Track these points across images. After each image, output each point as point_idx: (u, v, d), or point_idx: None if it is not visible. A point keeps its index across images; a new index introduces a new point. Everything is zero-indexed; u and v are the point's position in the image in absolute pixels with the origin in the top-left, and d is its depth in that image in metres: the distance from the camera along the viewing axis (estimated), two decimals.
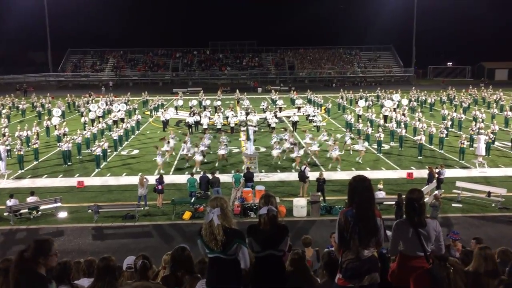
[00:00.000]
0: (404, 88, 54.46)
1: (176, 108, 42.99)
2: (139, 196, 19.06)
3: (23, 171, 24.60)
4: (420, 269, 4.55)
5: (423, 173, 22.19)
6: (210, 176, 19.81)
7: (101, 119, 36.31)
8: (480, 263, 5.10)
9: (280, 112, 40.67)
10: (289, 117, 37.12)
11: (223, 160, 25.49)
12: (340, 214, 4.60)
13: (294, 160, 24.60)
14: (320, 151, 26.92)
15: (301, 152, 25.25)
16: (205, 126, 32.92)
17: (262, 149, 28.46)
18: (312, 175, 20.68)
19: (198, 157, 24.40)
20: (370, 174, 22.62)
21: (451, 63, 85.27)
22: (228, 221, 4.52)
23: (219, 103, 41.84)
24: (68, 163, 25.79)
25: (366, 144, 26.21)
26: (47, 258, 3.85)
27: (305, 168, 20.49)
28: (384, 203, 18.54)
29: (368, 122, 33.16)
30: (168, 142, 26.78)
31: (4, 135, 28.06)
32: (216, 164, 25.29)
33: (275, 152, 25.60)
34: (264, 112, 38.12)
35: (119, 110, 38.03)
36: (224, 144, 25.94)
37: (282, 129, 30.61)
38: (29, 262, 3.76)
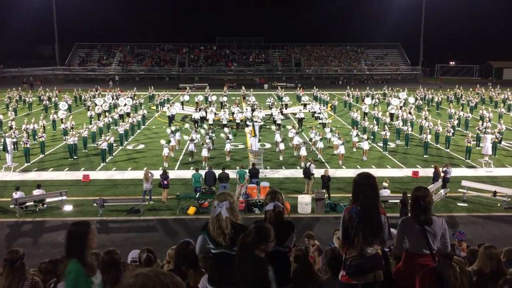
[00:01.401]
0: (411, 86, 54.23)
1: (182, 103, 43.05)
2: (144, 190, 19.15)
3: (29, 164, 24.73)
4: (425, 267, 4.54)
5: (429, 171, 22.10)
6: (220, 171, 19.91)
7: (107, 113, 36.44)
8: (484, 262, 5.09)
9: (286, 108, 40.64)
10: (295, 114, 37.10)
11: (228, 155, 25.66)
12: (344, 211, 4.59)
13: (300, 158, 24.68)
14: (324, 148, 26.96)
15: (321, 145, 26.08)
16: (210, 122, 32.95)
17: (268, 146, 28.49)
18: (317, 172, 20.68)
19: (204, 152, 24.50)
20: (375, 172, 22.55)
21: (454, 62, 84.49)
22: (235, 216, 4.55)
23: (225, 99, 41.86)
24: (74, 157, 25.90)
25: (366, 143, 26.00)
26: (267, 244, 4.07)
27: (310, 165, 20.47)
28: (389, 201, 18.55)
29: (374, 120, 33.09)
30: (174, 133, 27.01)
31: (11, 128, 28.22)
32: (229, 159, 25.48)
33: (281, 146, 25.73)
34: (270, 108, 38.09)
35: (125, 105, 38.13)
36: (228, 138, 26.06)
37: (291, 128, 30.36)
38: (250, 246, 3.97)
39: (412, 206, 4.76)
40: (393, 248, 4.96)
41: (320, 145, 26.11)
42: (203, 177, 19.78)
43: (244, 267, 3.98)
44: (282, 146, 25.79)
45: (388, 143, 27.98)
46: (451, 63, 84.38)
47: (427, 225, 4.61)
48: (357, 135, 27.84)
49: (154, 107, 43.16)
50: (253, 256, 3.96)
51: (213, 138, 27.73)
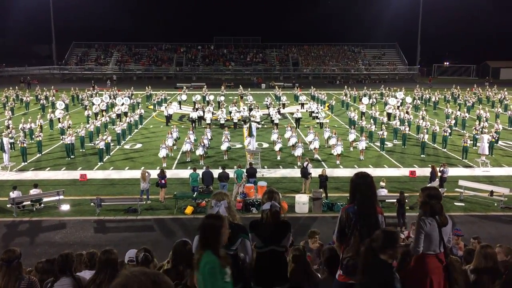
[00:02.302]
0: (408, 86, 54.30)
1: (180, 102, 43.02)
2: (142, 190, 19.13)
3: (26, 163, 24.67)
4: (440, 266, 4.54)
5: (426, 171, 22.16)
6: (217, 170, 19.90)
7: (104, 113, 36.41)
8: (481, 262, 5.10)
9: (283, 108, 40.64)
10: (292, 113, 37.12)
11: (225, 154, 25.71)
12: (341, 210, 4.60)
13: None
14: (322, 148, 27.00)
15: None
16: (208, 121, 32.94)
17: (265, 145, 28.49)
18: (315, 172, 20.69)
19: (200, 151, 24.49)
20: (372, 171, 22.39)
21: (448, 63, 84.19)
22: (233, 215, 4.54)
23: (222, 98, 41.86)
24: (71, 156, 25.86)
25: (363, 144, 26.03)
26: (395, 249, 4.03)
27: (307, 164, 20.48)
28: (386, 200, 18.57)
29: (371, 119, 33.08)
30: (171, 134, 27.01)
31: (7, 127, 28.17)
32: (226, 158, 25.62)
33: (277, 147, 25.72)
34: (268, 108, 38.09)
35: (123, 104, 38.07)
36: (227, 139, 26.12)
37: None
38: (377, 250, 3.99)
39: (431, 207, 4.63)
40: (411, 248, 4.81)
41: (316, 145, 26.05)
42: (201, 176, 19.79)
43: (369, 272, 3.98)
44: (278, 147, 25.76)
45: (386, 142, 28.02)
46: (445, 63, 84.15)
47: (444, 225, 4.58)
48: (361, 129, 27.83)
49: (152, 107, 43.10)
50: (380, 260, 3.95)
51: (209, 138, 27.76)
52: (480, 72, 78.80)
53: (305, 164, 20.62)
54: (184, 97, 44.20)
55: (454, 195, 19.98)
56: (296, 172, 22.36)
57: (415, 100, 42.95)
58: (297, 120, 34.51)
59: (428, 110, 39.83)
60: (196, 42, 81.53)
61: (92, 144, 27.72)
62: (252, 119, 31.69)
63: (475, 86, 51.79)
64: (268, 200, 4.82)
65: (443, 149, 27.96)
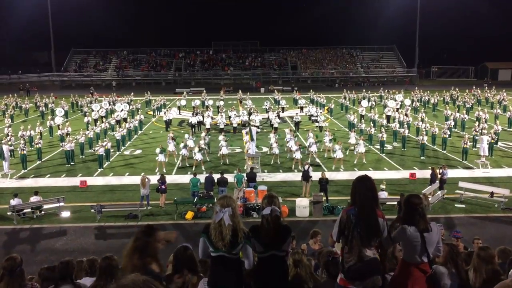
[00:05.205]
0: (407, 88, 54.31)
1: (179, 108, 43.06)
2: (142, 196, 19.12)
3: (26, 170, 24.66)
4: (423, 275, 4.53)
5: (426, 173, 22.15)
6: (219, 175, 19.95)
7: (104, 119, 36.42)
8: (479, 263, 5.09)
9: (282, 112, 40.67)
10: (291, 117, 37.14)
11: (225, 159, 25.66)
12: (342, 211, 4.60)
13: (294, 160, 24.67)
14: (320, 152, 27.01)
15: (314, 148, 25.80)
16: (207, 126, 32.95)
17: (265, 149, 28.48)
18: (315, 176, 20.67)
19: (198, 156, 24.49)
20: (372, 174, 22.53)
21: (436, 68, 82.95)
22: (236, 221, 4.52)
23: (221, 103, 41.91)
24: (71, 163, 25.86)
25: (362, 147, 25.91)
26: None
27: (308, 167, 20.48)
28: (387, 203, 18.55)
29: (371, 122, 33.11)
30: (174, 139, 26.97)
31: (7, 135, 28.14)
32: (225, 161, 25.58)
33: (275, 151, 25.69)
34: (267, 112, 38.11)
35: (122, 110, 38.10)
36: (225, 143, 26.10)
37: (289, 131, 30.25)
38: None
39: (410, 214, 4.65)
40: (384, 243, 4.78)
41: (314, 148, 26.02)
42: (201, 181, 19.78)
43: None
44: (276, 151, 25.73)
45: (385, 145, 28.02)
46: (433, 68, 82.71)
47: (426, 233, 4.59)
48: (360, 131, 27.72)
49: (151, 112, 43.14)
50: None
51: (208, 143, 27.73)
52: (478, 74, 78.85)
53: (306, 167, 20.61)
54: (183, 102, 44.26)
55: (455, 196, 19.98)
56: (296, 176, 22.34)
57: (414, 102, 42.97)
58: (297, 124, 34.53)
59: (427, 112, 39.89)
60: (194, 47, 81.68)
61: (92, 151, 27.71)
62: (251, 123, 31.69)
63: (474, 87, 51.83)
64: (268, 204, 4.82)
65: (442, 151, 27.97)
